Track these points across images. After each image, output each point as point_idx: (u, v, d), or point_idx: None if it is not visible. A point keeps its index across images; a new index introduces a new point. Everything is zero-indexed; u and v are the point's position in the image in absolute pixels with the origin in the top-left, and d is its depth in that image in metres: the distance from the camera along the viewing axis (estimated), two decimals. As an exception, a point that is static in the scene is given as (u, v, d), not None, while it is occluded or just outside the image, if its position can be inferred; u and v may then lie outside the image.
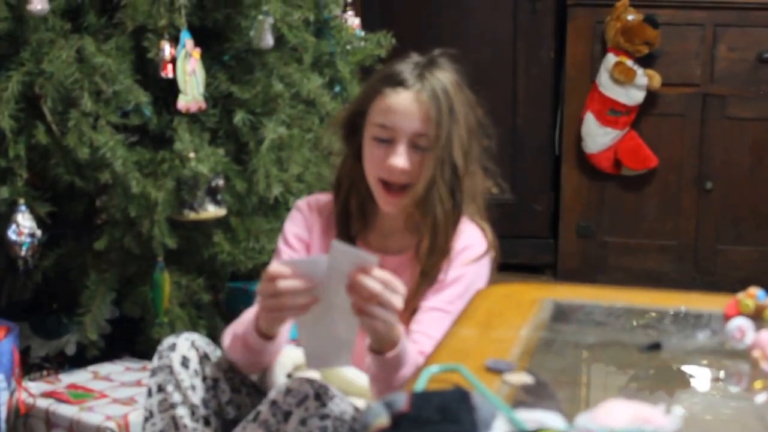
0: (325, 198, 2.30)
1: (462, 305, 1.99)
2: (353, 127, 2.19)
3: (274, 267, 1.80)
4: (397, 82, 2.11)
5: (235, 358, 2.11)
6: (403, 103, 2.10)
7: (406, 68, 2.13)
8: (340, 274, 1.74)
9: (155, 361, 2.09)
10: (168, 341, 2.10)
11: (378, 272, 1.76)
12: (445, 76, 2.13)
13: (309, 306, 1.80)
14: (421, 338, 2.05)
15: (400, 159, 2.09)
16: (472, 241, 2.17)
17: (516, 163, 4.75)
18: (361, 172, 2.18)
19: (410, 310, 2.11)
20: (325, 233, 2.26)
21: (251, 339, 2.03)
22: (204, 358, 2.09)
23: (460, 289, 2.12)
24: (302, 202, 2.31)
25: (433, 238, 2.12)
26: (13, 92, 2.75)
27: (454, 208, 2.13)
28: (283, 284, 1.78)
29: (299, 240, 2.26)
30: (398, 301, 1.80)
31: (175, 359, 2.06)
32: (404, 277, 2.11)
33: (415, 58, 2.17)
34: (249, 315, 2.05)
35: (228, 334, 2.12)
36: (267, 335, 2.01)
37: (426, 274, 2.13)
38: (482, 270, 2.18)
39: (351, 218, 2.24)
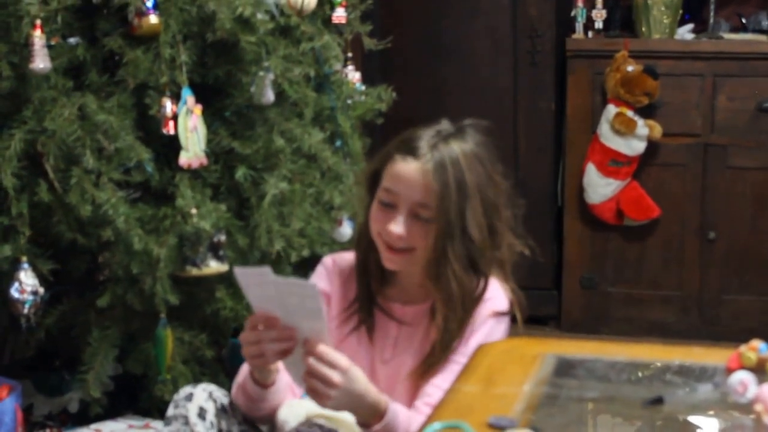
0: (350, 255, 2.31)
1: None
2: (374, 180, 2.18)
3: (255, 317, 1.95)
4: (409, 150, 2.10)
5: (240, 405, 2.14)
6: (409, 172, 2.08)
7: (424, 136, 2.11)
8: (292, 307, 1.86)
9: (171, 410, 2.09)
10: (185, 390, 2.11)
11: (320, 348, 1.86)
12: (461, 148, 2.10)
13: (289, 350, 1.90)
14: (431, 389, 2.06)
15: (397, 227, 2.09)
16: (494, 293, 2.17)
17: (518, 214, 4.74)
18: None
19: (429, 364, 2.12)
20: (344, 287, 2.27)
21: (249, 387, 2.07)
22: (220, 410, 2.09)
23: (475, 342, 2.11)
24: (328, 258, 2.33)
25: (449, 311, 2.10)
26: (16, 150, 2.76)
27: (476, 283, 2.13)
28: (264, 334, 1.91)
29: (322, 293, 2.26)
30: (336, 377, 1.86)
31: (192, 410, 2.06)
32: (422, 327, 2.13)
33: (443, 125, 2.16)
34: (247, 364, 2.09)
35: (234, 383, 2.15)
36: (262, 383, 2.03)
37: (445, 344, 2.11)
38: (500, 326, 2.17)
39: (370, 273, 2.23)
